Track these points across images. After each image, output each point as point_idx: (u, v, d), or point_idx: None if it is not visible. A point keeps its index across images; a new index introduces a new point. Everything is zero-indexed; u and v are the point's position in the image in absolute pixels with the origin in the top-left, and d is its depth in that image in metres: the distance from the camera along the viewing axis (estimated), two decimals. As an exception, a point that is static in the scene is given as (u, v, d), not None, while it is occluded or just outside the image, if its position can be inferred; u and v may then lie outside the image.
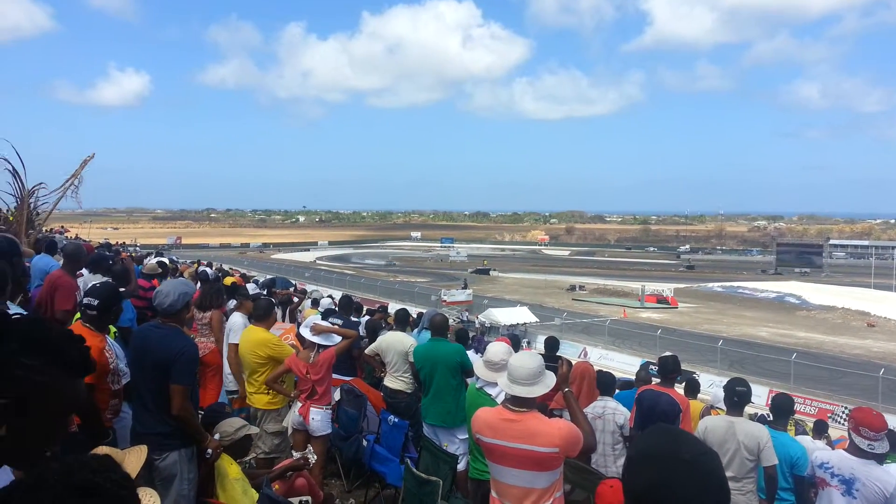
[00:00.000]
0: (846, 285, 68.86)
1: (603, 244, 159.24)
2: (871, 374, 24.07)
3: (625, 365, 26.35)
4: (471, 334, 22.19)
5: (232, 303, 7.58)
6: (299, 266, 72.25)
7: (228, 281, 10.44)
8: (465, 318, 38.99)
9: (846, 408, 21.93)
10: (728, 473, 4.40)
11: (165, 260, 12.12)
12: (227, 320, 6.84)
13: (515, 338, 12.29)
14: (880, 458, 5.04)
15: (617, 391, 6.93)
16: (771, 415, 5.46)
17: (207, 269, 15.03)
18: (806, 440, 6.63)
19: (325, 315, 8.22)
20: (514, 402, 3.11)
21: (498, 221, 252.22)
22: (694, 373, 21.83)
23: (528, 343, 30.47)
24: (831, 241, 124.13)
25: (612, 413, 5.86)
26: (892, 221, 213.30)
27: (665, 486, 1.35)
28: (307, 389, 5.40)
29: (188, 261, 23.76)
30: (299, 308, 11.19)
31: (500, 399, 3.79)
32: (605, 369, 7.52)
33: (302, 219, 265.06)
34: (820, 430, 9.10)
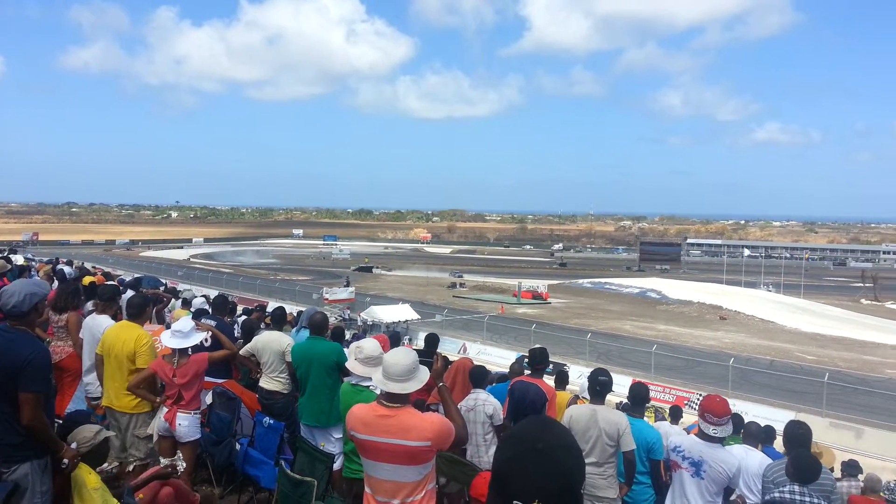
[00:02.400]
0: (701, 281, 74.96)
1: (483, 242, 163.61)
2: (722, 364, 26.31)
3: (501, 359, 27.15)
4: (352, 332, 22.10)
5: (91, 304, 7.10)
6: (171, 264, 68.50)
7: (87, 280, 9.73)
8: (346, 317, 38.75)
9: (700, 395, 23.87)
10: (591, 459, 4.69)
11: (18, 257, 11.12)
12: (84, 321, 6.38)
13: (396, 335, 12.31)
14: (723, 441, 5.56)
15: (494, 384, 7.17)
16: (630, 403, 5.86)
17: (66, 268, 13.96)
18: (664, 426, 7.16)
19: (197, 315, 7.86)
20: (388, 398, 3.15)
21: (381, 219, 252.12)
22: (564, 365, 22.98)
23: (410, 340, 30.70)
24: (689, 241, 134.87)
25: (482, 405, 6.03)
26: (742, 222, 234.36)
27: (514, 466, 1.50)
28: (174, 395, 5.16)
29: (45, 259, 21.98)
30: (168, 308, 10.63)
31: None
32: (483, 364, 7.76)
33: (174, 214, 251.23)
34: (675, 416, 9.85)
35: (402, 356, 3.23)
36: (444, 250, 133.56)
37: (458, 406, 6.15)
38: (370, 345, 4.28)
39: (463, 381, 6.50)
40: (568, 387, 9.37)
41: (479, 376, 6.49)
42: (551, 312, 50.51)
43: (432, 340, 8.48)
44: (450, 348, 31.39)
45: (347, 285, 50.22)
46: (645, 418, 17.49)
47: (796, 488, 4.07)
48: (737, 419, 7.47)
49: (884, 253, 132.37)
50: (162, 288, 14.55)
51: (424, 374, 3.25)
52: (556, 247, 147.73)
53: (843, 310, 59.19)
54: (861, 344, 40.52)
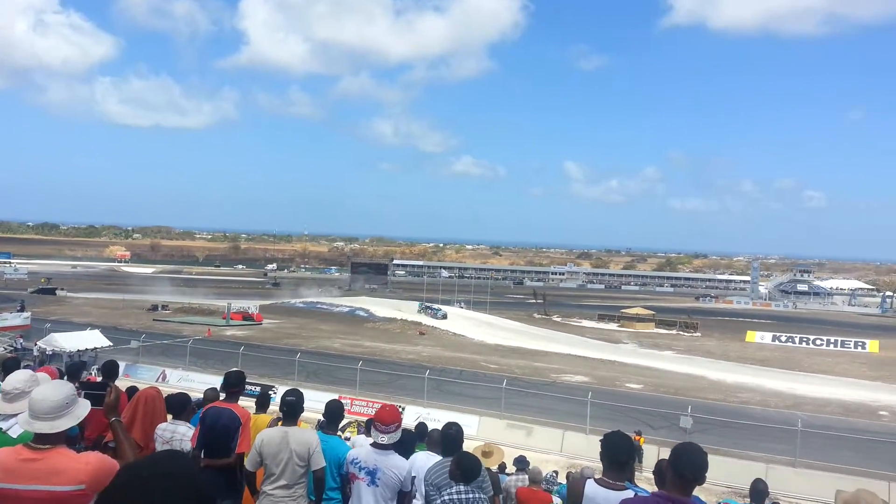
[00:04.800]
0: (405, 299, 79.95)
1: (191, 261, 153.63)
2: (419, 376, 28.29)
3: (205, 385, 25.67)
4: (24, 363, 18.92)
5: None
6: None
7: None
8: (19, 346, 33.29)
9: (402, 406, 25.37)
10: (281, 482, 4.74)
11: None
12: None
13: (79, 365, 10.91)
14: (409, 447, 6.02)
15: (196, 411, 6.81)
16: (325, 420, 6.04)
17: None
18: (360, 439, 7.51)
19: None
20: (38, 439, 2.81)
21: (70, 234, 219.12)
22: (272, 387, 22.65)
23: (97, 370, 27.29)
24: (395, 261, 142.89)
25: (180, 438, 5.75)
26: (441, 245, 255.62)
27: (115, 494, 1.50)
28: None
29: None
30: None
31: (16, 431, 3.38)
32: (185, 391, 7.29)
33: None
34: (370, 428, 10.37)
35: (51, 391, 2.90)
36: (146, 270, 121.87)
37: (156, 436, 5.73)
38: (15, 378, 3.76)
39: (148, 412, 6.04)
40: (270, 409, 9.26)
41: (178, 405, 6.13)
42: (262, 333, 49.33)
43: (109, 369, 7.68)
44: (147, 377, 29.32)
45: (22, 310, 43.91)
46: (348, 433, 17.87)
47: (462, 488, 4.55)
48: (421, 427, 8.15)
49: (552, 273, 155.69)
50: None
51: (82, 409, 2.96)
52: (269, 266, 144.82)
53: (520, 323, 68.02)
54: (533, 353, 46.97)
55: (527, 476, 9.27)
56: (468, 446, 7.13)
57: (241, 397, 6.19)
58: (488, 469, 6.14)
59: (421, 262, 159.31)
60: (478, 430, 23.16)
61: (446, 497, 4.35)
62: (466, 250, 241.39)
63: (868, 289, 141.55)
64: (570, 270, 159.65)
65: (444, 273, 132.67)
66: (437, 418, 21.89)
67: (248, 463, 4.98)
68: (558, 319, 74.33)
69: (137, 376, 28.93)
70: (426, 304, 69.82)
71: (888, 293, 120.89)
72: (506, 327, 63.44)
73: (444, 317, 63.44)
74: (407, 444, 5.91)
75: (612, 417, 23.20)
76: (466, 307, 75.73)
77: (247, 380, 7.05)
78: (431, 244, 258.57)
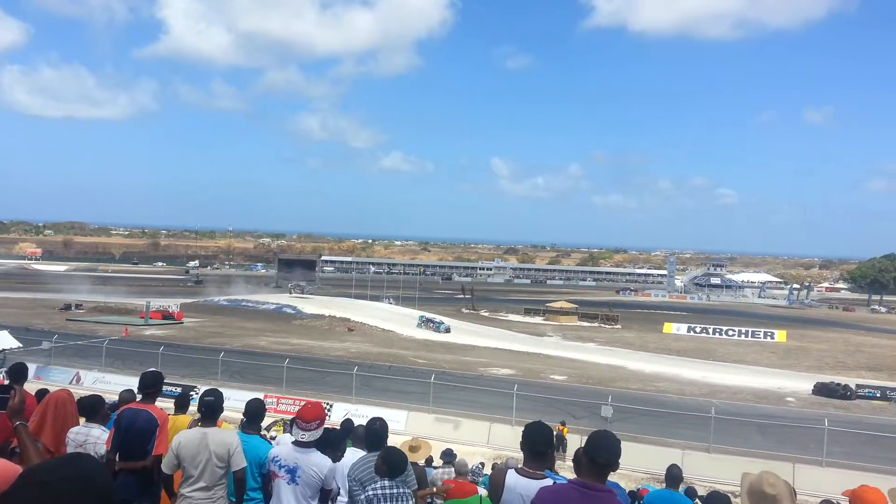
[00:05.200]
0: (333, 295, 79.06)
1: (107, 259, 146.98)
2: (347, 373, 28.06)
3: (122, 387, 24.64)
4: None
5: None
6: None
7: None
8: None
9: (328, 404, 25.11)
10: (200, 484, 4.63)
11: None
12: None
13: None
14: (340, 445, 5.94)
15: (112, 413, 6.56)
16: (246, 419, 5.93)
17: None
18: (285, 438, 7.40)
19: None
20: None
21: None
22: (194, 388, 21.94)
23: (3, 374, 25.73)
24: (323, 258, 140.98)
25: (94, 441, 5.53)
26: (370, 241, 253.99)
27: (18, 494, 1.45)
28: None
29: None
30: None
31: None
32: (100, 393, 7.00)
33: None
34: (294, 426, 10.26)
35: None
36: (58, 268, 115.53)
37: (68, 440, 5.48)
38: None
39: (58, 415, 5.77)
40: (190, 410, 9.01)
41: (91, 407, 5.89)
42: (184, 333, 47.75)
43: (17, 372, 7.28)
44: (60, 378, 28.06)
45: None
46: (273, 432, 17.61)
47: (386, 483, 4.57)
48: (347, 423, 8.13)
49: (480, 269, 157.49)
50: None
51: None
52: (191, 264, 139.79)
53: (449, 318, 68.43)
54: (461, 347, 47.47)
55: (453, 469, 9.38)
56: (396, 441, 7.16)
57: (161, 399, 6.00)
58: (414, 463, 6.18)
59: (350, 259, 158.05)
60: (406, 425, 23.23)
61: (370, 492, 4.37)
62: (395, 246, 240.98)
63: (776, 282, 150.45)
64: (498, 266, 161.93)
65: (373, 269, 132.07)
66: (365, 414, 21.72)
67: (164, 465, 4.85)
68: (486, 314, 75.34)
69: (50, 379, 27.57)
70: (426, 317, 60.85)
71: (795, 286, 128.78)
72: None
73: (448, 330, 55.42)
74: (337, 442, 5.87)
75: (537, 409, 23.71)
76: (395, 303, 75.56)
77: (167, 381, 6.84)
78: (360, 240, 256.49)
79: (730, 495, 7.87)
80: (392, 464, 4.64)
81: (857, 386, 36.67)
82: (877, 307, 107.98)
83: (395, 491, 4.45)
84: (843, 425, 24.41)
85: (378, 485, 4.50)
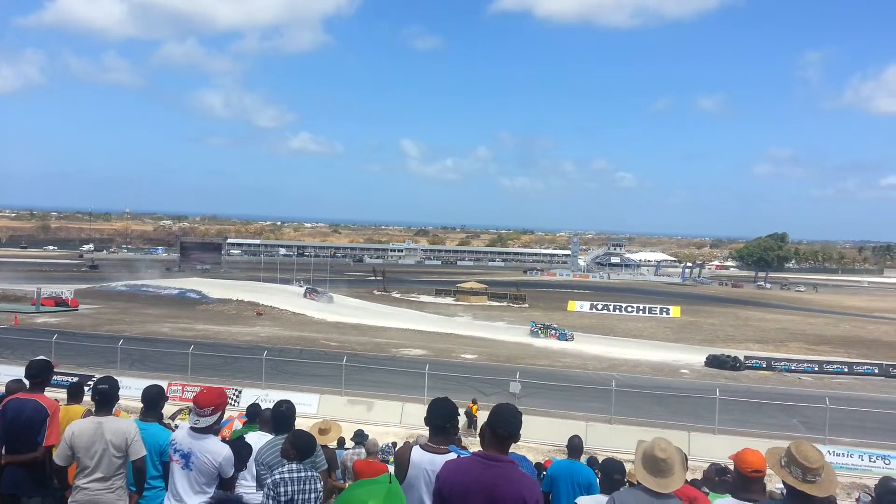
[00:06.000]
0: (241, 279, 76.76)
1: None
2: (256, 357, 27.45)
3: (10, 378, 23.03)
4: None
5: None
6: None
7: None
8: None
9: (237, 390, 24.53)
10: (97, 475, 4.46)
11: None
12: None
13: None
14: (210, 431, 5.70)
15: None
16: (144, 407, 5.71)
17: None
18: (187, 424, 7.19)
19: None
20: None
21: None
22: (91, 377, 20.82)
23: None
24: (229, 241, 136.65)
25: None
26: (279, 224, 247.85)
27: None
28: None
29: None
30: None
31: None
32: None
33: None
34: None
35: None
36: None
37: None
38: None
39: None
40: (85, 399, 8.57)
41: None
42: (79, 320, 45.13)
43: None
44: None
45: None
46: (179, 420, 17.02)
47: (294, 466, 4.52)
48: (254, 408, 8.03)
49: (391, 251, 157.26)
50: None
51: None
52: (85, 247, 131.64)
53: (360, 300, 68.20)
54: (373, 329, 47.35)
55: (364, 449, 9.44)
56: (307, 424, 7.13)
57: (53, 389, 5.69)
58: (323, 446, 6.17)
59: (258, 241, 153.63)
60: (318, 409, 23.05)
61: (277, 476, 4.34)
62: (305, 228, 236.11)
63: (671, 260, 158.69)
64: (409, 247, 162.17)
65: (283, 251, 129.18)
66: (275, 399, 21.43)
67: (57, 457, 4.63)
68: (398, 295, 75.47)
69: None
70: (543, 324, 49.85)
71: (688, 264, 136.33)
72: (345, 304, 63.29)
73: (572, 338, 47.04)
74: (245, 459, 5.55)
75: (448, 388, 24.09)
76: (306, 286, 74.29)
77: (61, 370, 6.48)
78: (269, 222, 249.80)
79: (626, 462, 8.36)
80: (300, 446, 4.60)
81: (746, 357, 39.55)
82: (762, 283, 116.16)
83: (303, 474, 4.42)
84: (733, 395, 26.35)
85: (286, 468, 4.45)
